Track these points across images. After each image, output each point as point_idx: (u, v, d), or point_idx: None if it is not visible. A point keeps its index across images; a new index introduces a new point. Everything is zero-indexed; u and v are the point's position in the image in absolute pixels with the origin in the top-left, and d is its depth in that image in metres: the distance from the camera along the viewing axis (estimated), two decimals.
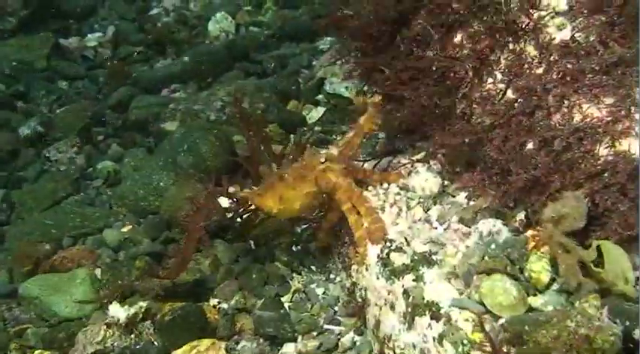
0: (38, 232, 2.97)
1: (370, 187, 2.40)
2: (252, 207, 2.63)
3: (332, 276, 2.59)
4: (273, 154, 2.80)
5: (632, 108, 1.89)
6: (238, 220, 2.78)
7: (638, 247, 1.85)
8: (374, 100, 2.31)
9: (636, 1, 1.89)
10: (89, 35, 4.90)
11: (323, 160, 2.26)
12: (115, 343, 2.24)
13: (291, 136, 3.51)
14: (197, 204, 2.36)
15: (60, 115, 3.92)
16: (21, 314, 2.54)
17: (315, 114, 3.67)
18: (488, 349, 1.70)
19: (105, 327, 2.25)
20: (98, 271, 2.70)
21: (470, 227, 2.14)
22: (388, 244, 2.15)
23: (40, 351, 2.29)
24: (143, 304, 2.32)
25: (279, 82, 3.95)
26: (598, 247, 1.81)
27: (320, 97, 3.79)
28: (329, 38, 4.29)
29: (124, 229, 2.99)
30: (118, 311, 2.27)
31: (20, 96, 4.16)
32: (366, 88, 2.70)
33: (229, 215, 2.74)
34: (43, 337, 2.40)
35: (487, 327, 1.75)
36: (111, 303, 2.32)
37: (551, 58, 2.03)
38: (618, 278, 1.78)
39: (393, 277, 2.07)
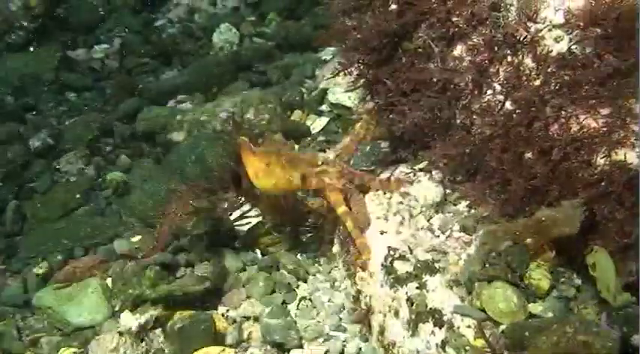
0: (50, 242, 3.04)
1: (374, 197, 2.45)
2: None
3: (337, 284, 2.64)
4: None
5: (628, 118, 1.94)
6: (245, 228, 2.85)
7: (638, 254, 1.89)
8: (367, 107, 2.38)
9: (630, 15, 1.94)
10: (96, 47, 4.97)
11: (320, 162, 2.34)
12: (128, 351, 2.30)
13: (296, 146, 3.57)
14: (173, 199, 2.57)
15: (69, 127, 4.00)
16: (35, 323, 2.61)
17: (318, 124, 3.72)
18: None
19: (117, 335, 2.32)
20: (109, 281, 2.77)
21: (471, 235, 2.19)
22: (392, 252, 2.21)
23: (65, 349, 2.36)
24: (154, 312, 2.39)
25: (283, 93, 4.01)
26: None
27: (323, 107, 3.85)
28: (331, 49, 4.35)
29: (134, 239, 3.05)
30: (129, 319, 2.33)
31: (29, 108, 4.24)
32: (368, 98, 2.76)
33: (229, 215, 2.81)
34: (57, 345, 2.46)
35: (488, 333, 1.80)
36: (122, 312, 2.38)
37: (549, 70, 2.07)
38: (603, 286, 1.84)
39: (396, 284, 2.12)
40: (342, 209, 2.29)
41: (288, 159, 2.30)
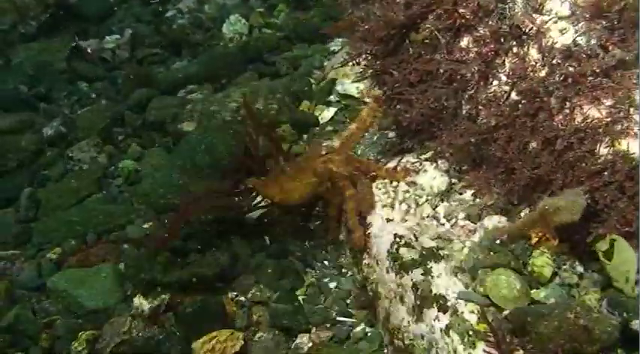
0: (64, 228, 3.11)
1: (380, 186, 2.50)
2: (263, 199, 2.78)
3: (344, 270, 2.69)
4: (283, 152, 2.91)
5: (631, 109, 1.97)
6: (253, 216, 2.90)
7: (638, 244, 1.93)
8: (374, 94, 2.42)
9: (635, 6, 1.96)
10: (107, 37, 4.99)
11: (324, 152, 2.39)
12: (140, 334, 2.36)
13: (304, 136, 3.61)
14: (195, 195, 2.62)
15: (81, 116, 4.04)
16: (50, 307, 2.68)
17: (327, 114, 3.75)
18: (493, 339, 1.80)
19: (130, 318, 2.38)
20: (122, 266, 2.83)
21: (476, 223, 2.24)
22: (398, 239, 2.26)
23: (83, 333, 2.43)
24: (165, 296, 2.45)
25: (291, 83, 4.03)
26: (612, 242, 1.90)
27: (332, 97, 3.87)
28: (340, 39, 4.37)
29: (146, 226, 3.11)
30: (142, 303, 2.40)
31: (42, 97, 4.29)
32: (376, 88, 2.79)
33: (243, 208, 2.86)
34: (72, 327, 2.54)
35: (491, 318, 1.84)
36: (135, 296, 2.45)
37: (554, 61, 2.11)
38: (621, 276, 1.87)
39: (402, 271, 2.18)
40: (349, 192, 2.35)
41: (294, 169, 2.39)
